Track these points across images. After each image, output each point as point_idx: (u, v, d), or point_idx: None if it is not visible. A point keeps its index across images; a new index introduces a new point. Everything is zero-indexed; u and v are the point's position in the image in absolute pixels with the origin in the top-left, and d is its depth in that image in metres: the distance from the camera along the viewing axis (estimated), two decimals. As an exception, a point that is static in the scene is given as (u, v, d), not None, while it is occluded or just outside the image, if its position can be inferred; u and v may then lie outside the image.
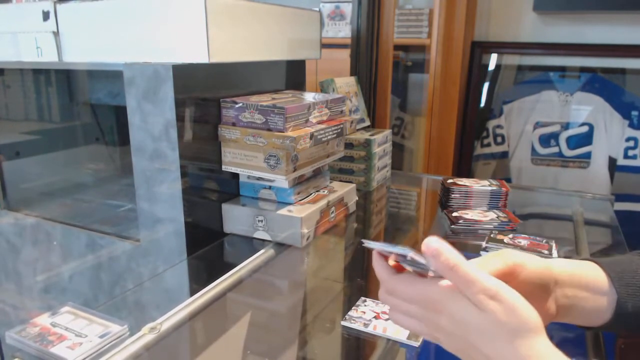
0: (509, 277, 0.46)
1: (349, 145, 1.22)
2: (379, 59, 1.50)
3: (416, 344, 0.63)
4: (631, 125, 1.83)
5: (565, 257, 0.92)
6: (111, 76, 1.28)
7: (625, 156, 1.85)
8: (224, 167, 0.95)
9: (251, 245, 0.93)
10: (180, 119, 0.84)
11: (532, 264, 0.48)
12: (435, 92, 1.88)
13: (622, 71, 1.86)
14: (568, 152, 1.93)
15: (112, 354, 0.60)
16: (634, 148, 1.83)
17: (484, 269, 0.44)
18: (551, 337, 0.40)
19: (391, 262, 0.47)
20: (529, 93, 1.97)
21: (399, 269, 0.46)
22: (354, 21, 1.45)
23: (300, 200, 0.97)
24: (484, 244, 0.90)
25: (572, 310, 0.51)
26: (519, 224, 1.01)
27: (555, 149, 1.95)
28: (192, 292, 0.75)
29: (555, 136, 1.94)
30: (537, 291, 0.48)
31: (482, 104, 2.04)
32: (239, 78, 0.99)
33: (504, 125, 2.01)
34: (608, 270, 0.51)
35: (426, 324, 0.44)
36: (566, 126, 1.93)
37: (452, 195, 1.09)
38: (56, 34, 0.96)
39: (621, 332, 0.61)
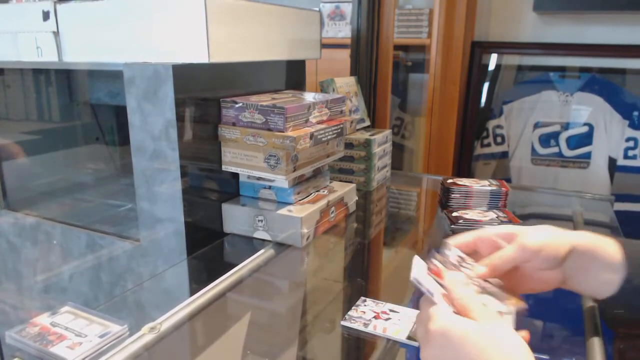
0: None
1: (349, 145, 1.22)
2: (379, 59, 1.50)
3: (416, 344, 0.63)
4: (631, 126, 1.83)
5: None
6: (111, 76, 1.28)
7: (625, 156, 1.85)
8: (224, 167, 0.95)
9: (251, 245, 0.93)
10: (180, 119, 0.84)
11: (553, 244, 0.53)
12: (435, 92, 1.88)
13: (622, 71, 1.86)
14: (568, 152, 1.93)
15: (112, 354, 0.60)
16: (634, 148, 1.83)
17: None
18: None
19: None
20: (529, 93, 1.97)
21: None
22: (354, 21, 1.45)
23: (300, 200, 0.97)
24: (484, 244, 0.90)
25: (582, 281, 0.55)
26: (519, 224, 1.01)
27: (555, 149, 1.95)
28: (192, 292, 0.75)
29: (555, 136, 1.94)
30: (551, 261, 0.53)
31: (482, 104, 2.04)
32: (239, 78, 0.99)
33: (504, 125, 2.01)
34: (625, 248, 0.54)
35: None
36: (566, 126, 1.93)
37: (452, 195, 1.09)
38: (56, 34, 0.96)
39: (620, 310, 0.64)
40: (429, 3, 1.93)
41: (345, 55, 1.51)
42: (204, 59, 0.83)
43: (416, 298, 0.78)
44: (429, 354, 0.45)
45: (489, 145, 2.04)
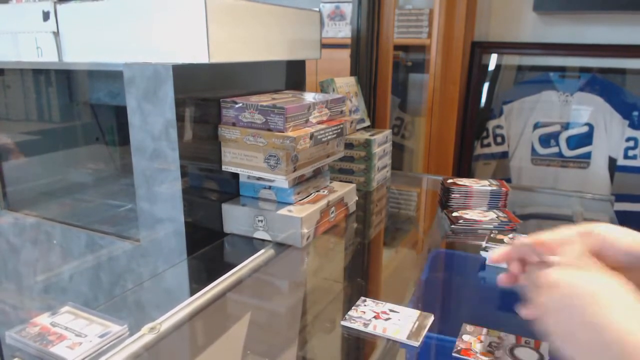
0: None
1: (349, 145, 1.22)
2: (379, 59, 1.50)
3: (416, 343, 0.63)
4: (631, 125, 1.83)
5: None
6: (111, 76, 1.28)
7: (625, 156, 1.84)
8: (224, 167, 0.95)
9: (251, 245, 0.93)
10: (180, 119, 0.84)
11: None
12: (435, 92, 1.88)
13: (622, 71, 1.86)
14: (568, 152, 1.93)
15: (111, 354, 0.60)
16: (634, 148, 1.83)
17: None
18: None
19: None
20: (529, 93, 1.97)
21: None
22: (354, 21, 1.45)
23: (300, 200, 0.97)
24: (483, 244, 0.90)
25: None
26: (519, 224, 1.01)
27: (555, 149, 1.95)
28: (192, 292, 0.75)
29: (555, 136, 1.94)
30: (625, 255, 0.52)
31: (482, 104, 2.04)
32: (239, 78, 0.99)
33: (504, 125, 2.01)
34: None
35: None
36: (566, 126, 1.93)
37: (452, 195, 1.09)
38: (56, 34, 0.96)
39: None
40: (429, 3, 1.93)
41: (345, 55, 1.51)
42: (204, 59, 0.83)
43: (415, 298, 0.78)
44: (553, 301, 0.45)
45: (489, 145, 2.04)
